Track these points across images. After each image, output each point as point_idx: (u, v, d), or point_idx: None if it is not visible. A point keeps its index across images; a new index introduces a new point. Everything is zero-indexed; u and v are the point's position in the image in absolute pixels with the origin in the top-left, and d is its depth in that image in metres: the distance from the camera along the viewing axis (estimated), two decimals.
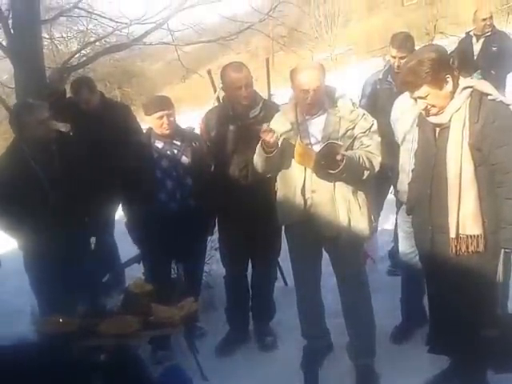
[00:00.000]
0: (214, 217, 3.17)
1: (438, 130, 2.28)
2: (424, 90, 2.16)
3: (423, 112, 2.25)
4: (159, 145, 2.98)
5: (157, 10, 3.92)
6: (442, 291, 2.40)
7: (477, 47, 5.22)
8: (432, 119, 2.26)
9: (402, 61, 3.38)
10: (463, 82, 2.21)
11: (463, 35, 5.64)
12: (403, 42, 3.39)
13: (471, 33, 5.37)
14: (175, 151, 2.98)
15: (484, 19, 5.20)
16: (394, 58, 3.42)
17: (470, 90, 2.19)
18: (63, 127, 3.26)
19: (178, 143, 2.99)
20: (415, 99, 2.24)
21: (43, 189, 2.75)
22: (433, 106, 2.20)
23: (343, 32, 22.27)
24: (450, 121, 2.21)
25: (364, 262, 2.99)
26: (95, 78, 13.06)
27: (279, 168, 2.71)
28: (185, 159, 2.98)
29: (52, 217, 2.74)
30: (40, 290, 2.91)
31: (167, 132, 2.93)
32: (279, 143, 2.55)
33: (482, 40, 5.22)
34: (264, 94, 3.80)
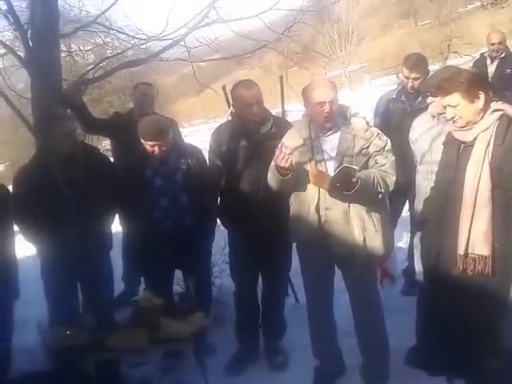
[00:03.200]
0: (213, 233, 3.21)
1: (461, 147, 2.30)
2: (455, 98, 2.21)
3: (450, 122, 2.29)
4: (155, 162, 2.98)
5: (174, 27, 4.00)
6: (442, 308, 2.37)
7: (491, 69, 5.22)
8: (457, 135, 2.29)
9: (416, 82, 3.42)
10: (495, 104, 2.25)
11: (477, 55, 5.64)
12: (416, 62, 3.44)
13: (486, 54, 5.37)
14: (170, 169, 2.99)
15: (493, 43, 5.21)
16: (407, 78, 3.46)
17: (501, 113, 2.23)
18: None
19: (174, 161, 3.00)
20: (445, 106, 2.29)
21: (66, 200, 2.77)
22: (460, 117, 2.24)
23: (357, 50, 22.43)
24: (475, 139, 2.23)
25: (383, 279, 2.95)
26: (110, 90, 13.30)
27: (293, 190, 2.71)
28: (179, 177, 2.99)
29: (73, 227, 2.76)
30: (53, 298, 2.91)
31: (158, 157, 2.95)
32: (293, 167, 2.53)
33: (496, 62, 5.23)
34: (278, 110, 3.83)
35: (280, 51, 5.10)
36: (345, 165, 2.47)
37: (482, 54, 5.50)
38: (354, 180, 2.41)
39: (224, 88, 3.68)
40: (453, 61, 18.17)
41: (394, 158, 2.61)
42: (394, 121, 3.46)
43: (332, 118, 2.56)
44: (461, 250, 2.23)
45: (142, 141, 2.93)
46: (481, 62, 5.35)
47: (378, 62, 21.93)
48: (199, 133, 14.79)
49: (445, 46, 20.23)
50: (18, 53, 3.93)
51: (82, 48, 10.57)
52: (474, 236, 2.20)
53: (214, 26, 4.27)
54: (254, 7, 4.79)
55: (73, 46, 9.56)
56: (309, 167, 2.54)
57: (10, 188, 2.96)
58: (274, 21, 5.27)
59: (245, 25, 4.91)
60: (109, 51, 10.37)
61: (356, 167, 2.47)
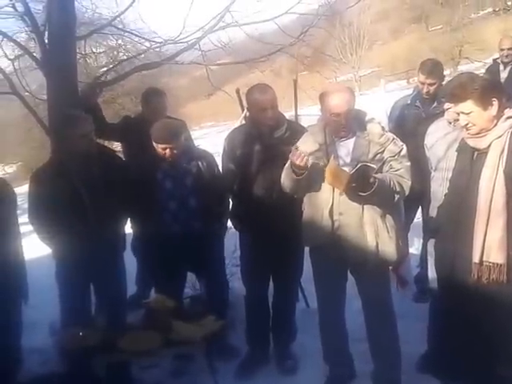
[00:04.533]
0: (223, 236, 3.21)
1: (475, 154, 2.28)
2: (468, 105, 2.20)
3: (463, 130, 2.27)
4: (166, 165, 2.99)
5: (189, 30, 4.01)
6: (456, 316, 2.35)
7: (504, 75, 5.19)
8: (471, 142, 2.27)
9: (431, 87, 3.41)
10: (509, 111, 2.23)
11: (488, 61, 5.62)
12: (432, 68, 3.45)
13: (498, 60, 5.34)
14: (180, 172, 3.00)
15: (503, 49, 5.19)
16: (423, 84, 3.45)
17: None
18: None
19: (184, 164, 3.01)
20: (458, 114, 2.27)
21: (82, 201, 2.78)
22: (474, 124, 2.22)
23: (368, 54, 22.42)
24: (488, 147, 2.22)
25: (397, 284, 2.94)
26: (122, 92, 13.38)
27: (307, 190, 2.70)
28: (189, 180, 3.00)
29: (88, 229, 2.77)
30: (67, 299, 2.93)
31: (169, 160, 2.96)
32: (309, 165, 2.54)
33: (509, 67, 5.19)
34: (289, 114, 3.82)
35: (291, 55, 5.10)
36: (363, 163, 2.45)
37: (494, 60, 5.47)
38: (371, 180, 2.41)
39: (238, 91, 3.69)
40: (464, 66, 18.10)
41: (409, 163, 2.60)
42: (409, 126, 3.45)
43: (347, 128, 2.57)
44: (476, 258, 2.21)
45: (154, 144, 2.94)
46: (494, 68, 5.32)
47: (389, 66, 21.90)
48: (209, 136, 14.82)
49: (456, 51, 20.17)
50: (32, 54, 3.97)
51: (94, 50, 10.66)
52: (489, 244, 2.19)
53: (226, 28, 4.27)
54: (266, 11, 4.82)
55: (86, 48, 9.64)
56: (329, 164, 2.51)
57: (26, 188, 2.99)
58: (286, 24, 5.28)
59: (256, 28, 4.93)
60: (121, 54, 10.46)
61: (374, 166, 2.46)
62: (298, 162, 2.49)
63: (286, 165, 2.64)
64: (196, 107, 21.72)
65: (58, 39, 3.39)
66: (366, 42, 21.87)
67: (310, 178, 2.59)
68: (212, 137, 14.06)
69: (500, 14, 23.38)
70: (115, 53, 11.04)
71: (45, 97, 3.70)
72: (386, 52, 23.41)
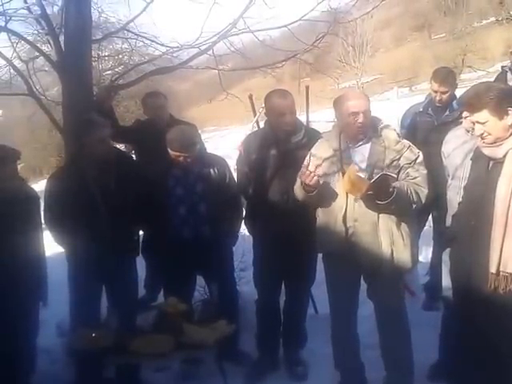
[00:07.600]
0: (233, 242, 3.22)
1: (491, 163, 2.28)
2: (484, 115, 2.20)
3: (479, 139, 2.27)
4: (178, 171, 3.00)
5: (204, 36, 4.04)
6: (472, 326, 2.34)
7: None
8: (486, 151, 2.27)
9: (444, 95, 3.43)
10: None
11: (491, 70, 5.64)
12: (445, 76, 3.47)
13: (506, 68, 5.35)
14: (191, 178, 3.00)
15: None
16: (436, 92, 3.47)
17: None
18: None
19: (196, 171, 3.01)
20: (473, 123, 2.27)
21: (96, 205, 2.78)
22: (489, 133, 2.22)
23: (370, 61, 22.50)
24: (504, 156, 2.21)
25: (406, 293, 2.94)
26: (126, 95, 13.42)
27: (318, 206, 2.71)
28: (199, 187, 3.00)
29: (102, 232, 2.78)
30: (79, 300, 2.93)
31: (181, 166, 2.97)
32: (319, 184, 2.54)
33: None
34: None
35: (305, 61, 5.14)
36: (384, 172, 2.45)
37: (503, 68, 5.47)
38: (390, 189, 2.41)
39: (251, 97, 3.71)
40: (467, 75, 18.17)
41: (425, 171, 2.60)
42: (421, 134, 3.47)
43: (365, 129, 2.57)
44: (492, 269, 2.20)
45: (169, 150, 2.95)
46: (502, 76, 5.33)
47: (391, 74, 22.00)
48: (212, 140, 14.85)
49: (459, 60, 20.25)
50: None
51: (100, 54, 10.69)
52: (506, 254, 2.17)
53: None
54: (275, 17, 4.86)
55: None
56: (348, 170, 2.50)
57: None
58: (288, 30, 5.27)
59: (270, 35, 4.96)
60: (126, 57, 10.47)
61: (394, 175, 2.46)
62: (307, 182, 2.50)
63: (299, 173, 2.65)
64: (198, 111, 21.80)
65: (74, 42, 3.41)
66: (369, 49, 21.96)
67: (321, 196, 2.59)
68: (214, 141, 14.08)
69: (503, 24, 23.46)
70: (120, 56, 11.09)
71: (49, 98, 3.70)
72: (388, 59, 23.51)
